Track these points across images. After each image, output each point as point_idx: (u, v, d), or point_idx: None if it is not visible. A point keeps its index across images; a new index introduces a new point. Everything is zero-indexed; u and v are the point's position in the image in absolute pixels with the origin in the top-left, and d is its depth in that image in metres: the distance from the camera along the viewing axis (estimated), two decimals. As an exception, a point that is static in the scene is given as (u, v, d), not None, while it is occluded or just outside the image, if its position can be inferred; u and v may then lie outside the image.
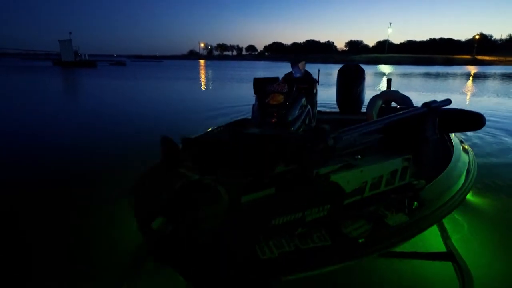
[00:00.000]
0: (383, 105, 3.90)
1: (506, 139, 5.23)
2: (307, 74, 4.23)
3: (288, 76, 4.16)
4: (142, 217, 1.29)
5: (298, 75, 4.15)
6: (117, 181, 3.32)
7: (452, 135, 2.79)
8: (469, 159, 2.41)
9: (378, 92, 4.22)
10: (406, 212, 1.50)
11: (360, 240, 1.28)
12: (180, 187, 1.12)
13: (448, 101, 2.03)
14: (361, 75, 4.58)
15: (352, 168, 1.47)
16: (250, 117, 3.54)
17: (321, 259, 1.19)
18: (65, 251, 2.08)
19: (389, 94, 4.14)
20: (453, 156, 2.28)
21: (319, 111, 4.27)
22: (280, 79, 3.86)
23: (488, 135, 5.30)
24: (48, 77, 21.46)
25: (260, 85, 3.64)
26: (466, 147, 2.64)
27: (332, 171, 1.40)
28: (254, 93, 3.73)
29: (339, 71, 4.78)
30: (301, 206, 1.19)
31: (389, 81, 4.87)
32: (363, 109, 4.53)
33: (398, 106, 3.65)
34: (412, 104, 3.44)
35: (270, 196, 1.23)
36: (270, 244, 1.13)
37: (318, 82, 3.98)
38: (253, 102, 3.37)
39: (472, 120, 2.16)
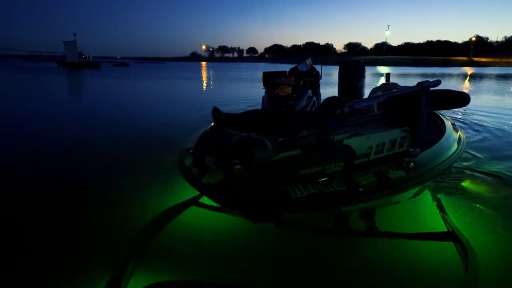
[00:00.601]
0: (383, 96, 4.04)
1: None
2: (312, 69, 4.44)
3: (293, 69, 4.35)
4: (202, 166, 1.73)
5: (304, 69, 4.37)
6: (124, 170, 3.38)
7: (448, 123, 3.08)
8: (459, 137, 2.71)
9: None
10: (404, 170, 1.83)
11: (368, 186, 1.61)
12: (237, 140, 1.42)
13: (438, 82, 2.28)
14: (361, 70, 4.70)
15: (360, 135, 1.80)
16: (259, 108, 3.73)
17: (338, 199, 1.53)
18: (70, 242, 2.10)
19: (388, 86, 4.15)
20: (445, 134, 2.63)
21: None
22: (287, 72, 4.10)
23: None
24: (54, 77, 21.49)
25: (269, 78, 3.99)
26: (458, 129, 2.96)
27: (345, 137, 1.72)
28: (264, 85, 4.03)
29: (340, 66, 4.88)
30: (322, 162, 1.52)
31: (387, 75, 4.96)
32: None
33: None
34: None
35: (298, 155, 1.57)
36: (300, 188, 1.47)
37: (320, 77, 4.21)
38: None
39: (459, 99, 2.60)
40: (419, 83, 2.23)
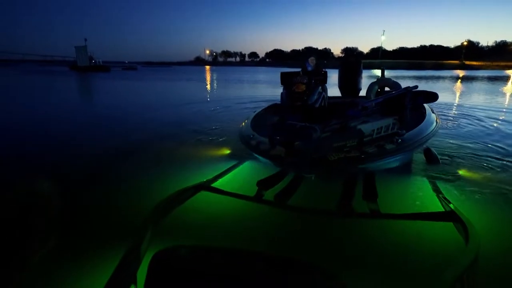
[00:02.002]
0: (379, 90, 4.71)
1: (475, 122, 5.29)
2: (318, 66, 4.95)
3: (303, 68, 4.96)
4: (273, 144, 2.62)
5: (310, 68, 4.94)
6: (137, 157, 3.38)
7: (430, 112, 3.70)
8: (436, 122, 3.39)
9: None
10: (395, 144, 2.65)
11: (372, 154, 2.47)
12: (300, 127, 2.52)
13: (416, 86, 3.50)
14: (359, 66, 5.03)
15: (367, 123, 2.71)
16: (279, 102, 4.44)
17: (355, 161, 2.40)
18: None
19: (383, 81, 4.76)
20: (424, 120, 3.33)
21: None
22: (300, 72, 4.74)
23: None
24: (68, 79, 21.61)
25: (286, 77, 4.71)
26: (436, 116, 3.63)
27: (357, 124, 2.66)
28: (281, 83, 4.66)
29: (341, 63, 5.28)
30: (344, 139, 2.45)
31: (382, 70, 5.21)
32: (361, 93, 5.27)
33: (390, 89, 4.64)
34: (401, 88, 4.08)
35: (331, 135, 2.53)
36: (333, 155, 2.31)
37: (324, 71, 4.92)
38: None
39: (431, 96, 3.83)
40: (404, 88, 3.47)
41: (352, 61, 5.24)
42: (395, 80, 4.69)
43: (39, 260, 0.38)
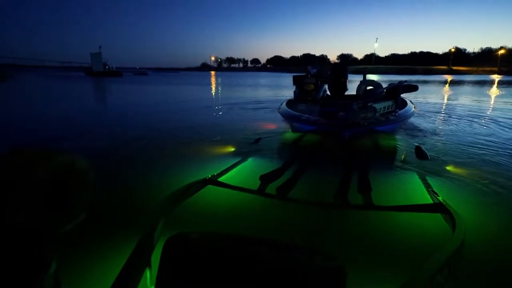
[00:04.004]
0: (366, 88, 5.58)
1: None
2: (322, 71, 6.24)
3: (307, 72, 6.28)
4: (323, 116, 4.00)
5: (313, 71, 6.23)
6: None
7: (409, 102, 5.08)
8: (413, 107, 4.90)
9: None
10: (393, 116, 4.09)
11: (381, 120, 3.89)
12: (345, 103, 3.91)
13: (404, 81, 5.05)
14: (345, 71, 5.78)
15: (377, 103, 4.15)
16: (291, 98, 5.87)
17: (374, 124, 3.76)
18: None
19: (368, 82, 5.74)
20: (407, 105, 4.85)
21: None
22: (309, 75, 6.17)
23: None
24: (86, 84, 21.73)
25: (297, 79, 6.16)
26: (414, 105, 5.07)
27: (372, 103, 4.04)
28: (293, 84, 6.15)
29: (331, 68, 6.12)
30: (366, 112, 3.90)
31: (364, 75, 6.47)
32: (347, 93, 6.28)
33: (373, 88, 5.72)
34: (382, 87, 5.13)
35: (358, 110, 3.81)
36: (361, 120, 3.62)
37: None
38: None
39: (413, 88, 5.26)
40: (399, 82, 4.96)
41: (340, 68, 6.05)
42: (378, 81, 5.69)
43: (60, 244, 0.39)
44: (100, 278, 1.29)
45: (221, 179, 2.38)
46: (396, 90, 4.76)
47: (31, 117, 6.53)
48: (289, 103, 5.54)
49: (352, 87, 5.89)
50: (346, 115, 3.63)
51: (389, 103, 4.39)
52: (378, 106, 4.05)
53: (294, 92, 5.81)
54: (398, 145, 3.94)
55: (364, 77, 6.19)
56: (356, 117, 3.63)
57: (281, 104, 5.29)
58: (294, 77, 6.13)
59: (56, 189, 0.36)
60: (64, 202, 0.37)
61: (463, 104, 8.99)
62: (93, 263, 1.46)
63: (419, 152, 3.43)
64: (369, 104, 4.01)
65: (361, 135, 3.76)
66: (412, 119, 5.26)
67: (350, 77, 6.27)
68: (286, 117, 4.52)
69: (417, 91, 5.52)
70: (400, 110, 4.46)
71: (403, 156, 3.41)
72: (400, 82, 4.92)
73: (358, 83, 5.68)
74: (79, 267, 1.40)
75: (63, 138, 4.45)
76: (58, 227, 0.38)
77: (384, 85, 5.04)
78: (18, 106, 8.96)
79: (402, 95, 5.16)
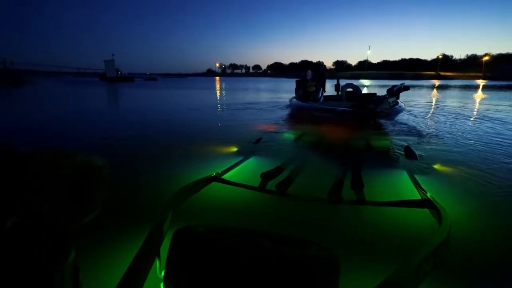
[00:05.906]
0: (347, 90, 7.20)
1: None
2: (322, 75, 7.25)
3: (304, 77, 7.17)
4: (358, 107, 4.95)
5: (309, 77, 7.09)
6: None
7: (401, 102, 5.78)
8: (404, 105, 5.74)
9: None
10: (397, 108, 5.35)
11: (392, 109, 5.17)
12: (377, 96, 5.69)
13: (404, 83, 6.15)
14: (325, 71, 7.04)
15: (389, 98, 5.38)
16: (295, 97, 6.94)
17: (388, 112, 5.01)
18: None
19: (349, 85, 7.21)
20: (399, 102, 5.68)
21: None
22: (310, 80, 7.14)
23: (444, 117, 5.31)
24: (100, 88, 21.74)
25: (299, 83, 7.16)
26: (404, 104, 5.86)
27: (387, 98, 5.27)
28: (296, 87, 7.14)
29: (313, 69, 7.39)
30: (384, 104, 4.91)
31: (338, 80, 7.86)
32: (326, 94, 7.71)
33: (352, 90, 7.31)
34: (361, 91, 7.00)
35: (373, 106, 4.71)
36: (382, 110, 4.75)
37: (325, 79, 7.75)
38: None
39: (407, 88, 6.24)
40: (401, 84, 6.10)
41: (320, 73, 7.21)
42: (356, 85, 7.35)
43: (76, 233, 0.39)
44: (114, 266, 1.30)
45: (225, 176, 2.39)
46: (399, 89, 5.96)
47: (56, 118, 6.55)
48: (299, 100, 6.54)
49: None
50: (373, 106, 4.63)
51: (393, 98, 5.64)
52: (389, 100, 5.28)
53: (298, 93, 6.87)
54: (389, 146, 3.93)
55: (338, 81, 7.96)
56: (385, 105, 4.87)
57: (291, 101, 6.72)
58: (296, 81, 7.30)
59: (76, 185, 0.37)
60: (83, 197, 0.38)
61: (450, 106, 8.97)
62: (108, 252, 1.47)
63: (409, 152, 3.42)
64: (388, 98, 5.34)
65: (385, 115, 5.02)
66: (403, 120, 6.02)
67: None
68: (313, 110, 5.77)
69: (408, 92, 6.40)
70: (399, 104, 5.63)
71: (393, 156, 3.40)
72: (402, 84, 6.13)
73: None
74: (96, 256, 1.41)
75: (83, 138, 4.47)
76: (78, 219, 0.39)
77: (376, 89, 5.55)
78: (42, 108, 8.96)
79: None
